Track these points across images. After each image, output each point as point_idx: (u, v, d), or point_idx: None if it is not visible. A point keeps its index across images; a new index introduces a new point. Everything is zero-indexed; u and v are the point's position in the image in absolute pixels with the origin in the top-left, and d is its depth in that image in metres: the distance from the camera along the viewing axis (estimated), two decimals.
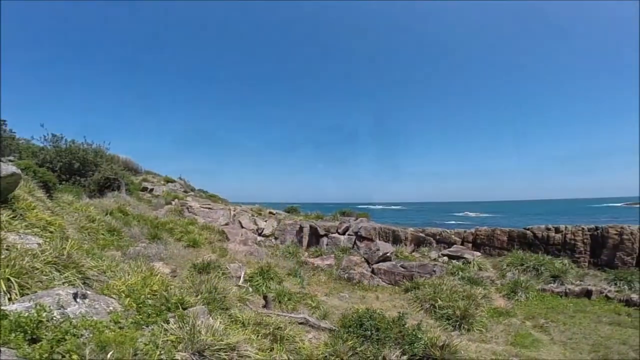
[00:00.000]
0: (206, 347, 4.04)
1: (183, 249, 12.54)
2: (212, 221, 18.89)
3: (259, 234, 19.10)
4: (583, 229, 16.38)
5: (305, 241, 18.14)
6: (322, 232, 18.08)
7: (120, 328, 3.22)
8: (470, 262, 15.05)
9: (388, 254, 15.38)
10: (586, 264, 15.65)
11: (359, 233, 17.51)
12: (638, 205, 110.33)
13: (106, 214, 12.18)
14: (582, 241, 16.17)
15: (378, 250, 15.49)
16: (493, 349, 8.44)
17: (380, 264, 14.59)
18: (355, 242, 17.25)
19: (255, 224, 19.92)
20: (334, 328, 7.78)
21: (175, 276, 8.67)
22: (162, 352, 3.12)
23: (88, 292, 4.03)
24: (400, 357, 6.43)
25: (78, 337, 2.69)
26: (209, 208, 20.95)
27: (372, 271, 14.19)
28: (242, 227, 19.33)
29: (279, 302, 9.25)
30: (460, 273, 13.82)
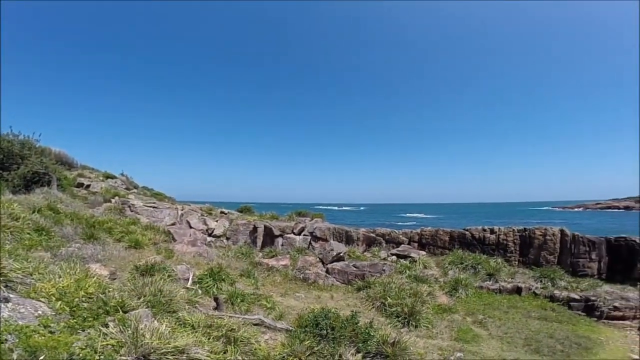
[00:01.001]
0: (152, 350, 3.75)
1: (124, 250, 11.60)
2: (157, 221, 17.72)
3: (209, 235, 18.30)
4: (513, 230, 17.95)
5: (259, 242, 17.75)
6: (277, 233, 17.83)
7: (51, 332, 2.84)
8: (416, 261, 15.81)
9: (341, 254, 15.62)
10: (516, 262, 17.20)
11: (314, 233, 17.56)
12: (560, 209, 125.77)
13: (33, 212, 10.86)
14: (513, 241, 17.75)
15: (332, 250, 15.66)
16: (439, 344, 8.93)
17: (335, 263, 14.76)
18: (310, 243, 17.26)
19: (205, 224, 19.06)
20: (290, 328, 7.69)
21: (115, 279, 7.98)
22: (102, 356, 2.81)
23: (11, 295, 3.51)
24: (355, 355, 6.53)
25: (2, 343, 2.31)
26: (154, 207, 19.64)
27: (327, 271, 14.30)
28: (191, 227, 18.37)
29: (232, 303, 8.92)
30: (408, 271, 14.48)
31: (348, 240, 17.86)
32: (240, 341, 5.96)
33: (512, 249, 17.49)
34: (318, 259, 15.40)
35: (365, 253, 17.06)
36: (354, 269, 14.24)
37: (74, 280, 5.48)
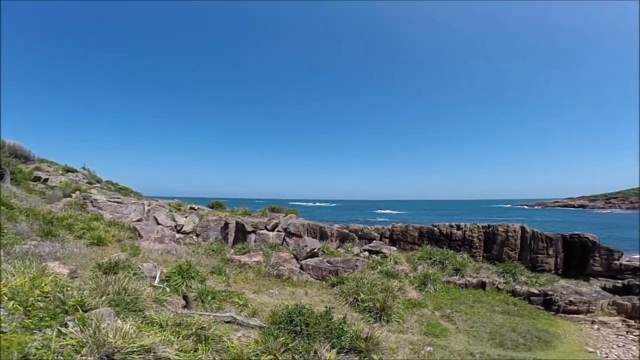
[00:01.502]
0: (116, 350, 3.55)
1: (85, 247, 10.96)
2: (121, 217, 16.90)
3: (178, 231, 17.69)
4: (478, 226, 18.72)
5: (231, 238, 17.39)
6: (249, 229, 17.55)
7: (1, 332, 2.60)
8: (387, 257, 16.15)
9: (315, 250, 15.64)
10: (481, 258, 17.98)
11: (288, 229, 17.45)
12: (521, 207, 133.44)
13: None
14: (478, 237, 18.51)
15: (306, 246, 15.64)
16: (410, 339, 9.17)
17: (309, 260, 14.76)
18: (284, 239, 17.14)
19: (174, 220, 18.41)
20: (264, 325, 7.59)
21: (75, 277, 7.50)
22: (60, 357, 2.61)
23: None
24: (330, 351, 6.55)
25: None
26: (118, 202, 18.71)
27: (301, 267, 14.26)
28: (158, 223, 17.69)
29: (202, 301, 8.66)
30: (379, 267, 14.75)
31: (322, 236, 17.91)
32: (212, 339, 5.79)
33: (477, 244, 18.25)
34: (292, 255, 15.33)
35: (339, 249, 17.21)
36: (328, 265, 14.31)
37: (28, 279, 5.09)
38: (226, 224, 18.08)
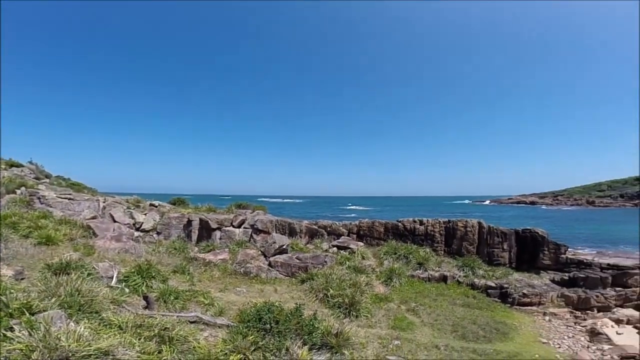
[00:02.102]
0: (70, 354, 3.25)
1: (32, 247, 10.10)
2: (73, 214, 15.69)
3: (137, 229, 16.74)
4: (440, 222, 19.41)
5: (194, 236, 16.74)
6: (214, 226, 17.01)
7: None
8: (355, 252, 16.35)
9: (284, 247, 15.48)
10: (442, 252, 18.71)
11: (255, 226, 17.12)
12: (482, 203, 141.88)
13: None
14: (439, 232, 19.22)
15: (274, 243, 15.43)
16: (378, 333, 9.34)
17: (277, 256, 14.58)
18: (251, 235, 16.80)
19: (132, 217, 17.39)
20: (232, 324, 7.37)
21: (22, 279, 6.84)
22: None
23: None
24: (301, 348, 6.49)
25: None
26: (70, 199, 17.34)
27: (270, 264, 14.06)
28: (115, 221, 16.62)
29: (165, 302, 8.25)
30: (347, 262, 14.90)
31: (291, 232, 17.78)
32: (177, 340, 5.52)
33: (439, 239, 18.96)
34: (260, 252, 15.07)
35: (308, 245, 17.17)
36: (297, 261, 14.23)
37: None
38: (189, 221, 17.40)
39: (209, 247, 15.57)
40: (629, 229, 43.97)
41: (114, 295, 7.38)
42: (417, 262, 15.94)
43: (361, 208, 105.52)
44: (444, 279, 15.15)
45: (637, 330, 12.04)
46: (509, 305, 13.67)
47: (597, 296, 13.82)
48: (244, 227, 17.43)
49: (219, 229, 17.11)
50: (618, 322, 12.65)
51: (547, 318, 12.93)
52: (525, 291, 14.07)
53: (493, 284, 14.66)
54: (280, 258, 14.51)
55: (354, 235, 19.25)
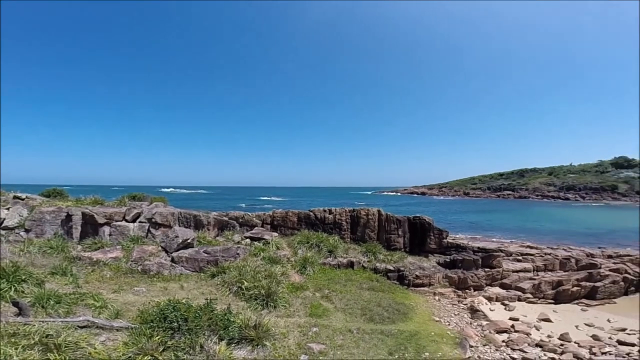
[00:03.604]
0: None
1: None
2: None
3: None
4: (346, 210, 20.47)
5: (76, 232, 14.14)
6: (101, 221, 14.63)
7: None
8: (269, 243, 16.12)
9: (189, 241, 14.29)
10: (349, 239, 19.82)
11: (153, 219, 15.35)
12: (382, 193, 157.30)
13: None
14: (346, 221, 20.27)
15: (177, 237, 14.09)
16: (297, 322, 9.40)
17: (182, 251, 13.36)
18: (149, 230, 15.00)
19: None
20: (132, 326, 6.47)
21: None
22: None
23: None
24: (218, 343, 6.13)
25: None
26: None
27: (173, 260, 12.77)
28: None
29: (43, 307, 6.75)
30: (262, 253, 14.59)
31: (197, 225, 16.51)
32: (66, 347, 4.58)
33: (345, 227, 20.02)
34: (160, 247, 13.59)
35: (217, 238, 16.21)
36: (206, 255, 13.30)
37: None
38: (69, 216, 14.66)
39: (96, 245, 13.40)
40: (494, 217, 54.65)
41: None
42: (327, 250, 16.55)
43: (277, 199, 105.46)
44: (351, 264, 16.09)
45: (504, 307, 14.58)
46: (405, 286, 15.04)
47: (472, 276, 16.08)
48: (140, 222, 15.51)
49: (107, 224, 14.81)
50: (489, 299, 15.06)
51: (436, 298, 14.61)
52: (417, 273, 15.66)
53: (392, 268, 16.06)
54: (186, 253, 13.37)
55: (268, 226, 18.97)
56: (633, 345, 10.74)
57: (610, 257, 19.92)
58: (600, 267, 17.71)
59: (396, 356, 8.33)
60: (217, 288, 10.94)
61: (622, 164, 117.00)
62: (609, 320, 13.18)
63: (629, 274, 17.41)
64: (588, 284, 16.51)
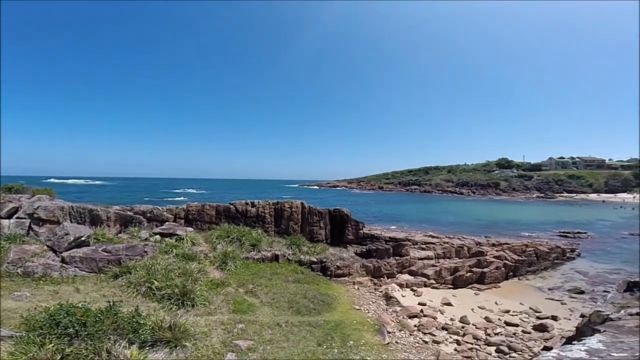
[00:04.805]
0: None
1: None
2: None
3: None
4: (269, 203, 20.06)
5: None
6: None
7: None
8: (183, 238, 14.79)
9: (83, 238, 12.19)
10: (273, 232, 19.44)
11: (36, 215, 12.68)
12: (308, 186, 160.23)
13: None
14: (269, 214, 19.90)
15: (67, 234, 11.89)
16: (220, 319, 8.78)
17: (75, 250, 11.29)
18: (30, 227, 12.34)
19: None
20: (17, 334, 5.42)
21: None
22: None
23: None
24: (129, 347, 5.33)
25: None
26: None
27: (64, 260, 10.69)
28: None
29: None
30: (175, 250, 13.26)
31: (94, 221, 14.16)
32: None
33: (269, 220, 19.65)
34: (46, 246, 11.32)
35: (120, 235, 14.17)
36: (106, 254, 11.50)
37: None
38: None
39: None
40: (402, 208, 60.12)
41: None
42: (250, 244, 15.92)
43: (196, 191, 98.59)
44: (276, 258, 15.79)
45: (413, 293, 15.96)
46: (328, 277, 15.41)
47: (385, 265, 17.34)
48: (18, 217, 12.73)
49: None
50: (401, 286, 16.31)
51: (356, 287, 15.27)
52: (338, 264, 16.19)
53: (315, 259, 16.28)
54: (80, 252, 11.38)
55: (182, 221, 17.35)
56: (517, 325, 12.69)
57: (494, 245, 23.64)
58: (486, 255, 20.77)
59: (324, 347, 8.37)
60: (122, 290, 9.57)
61: (503, 164, 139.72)
62: (496, 303, 15.24)
63: (508, 260, 20.77)
64: (478, 269, 19.14)
